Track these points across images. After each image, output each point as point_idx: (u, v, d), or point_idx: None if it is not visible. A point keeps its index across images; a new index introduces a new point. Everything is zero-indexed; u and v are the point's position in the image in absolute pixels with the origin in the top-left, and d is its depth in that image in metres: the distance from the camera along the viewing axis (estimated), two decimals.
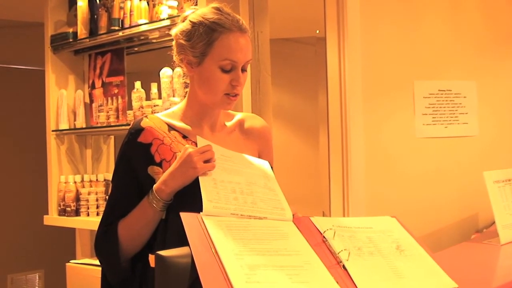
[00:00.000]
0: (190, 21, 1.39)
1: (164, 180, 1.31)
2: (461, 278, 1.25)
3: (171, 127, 1.43)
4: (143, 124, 1.42)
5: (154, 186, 1.33)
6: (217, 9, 1.40)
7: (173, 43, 1.44)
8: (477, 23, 2.70)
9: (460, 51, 2.66)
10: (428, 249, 1.33)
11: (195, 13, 1.41)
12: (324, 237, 1.25)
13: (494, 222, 2.07)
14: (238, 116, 1.56)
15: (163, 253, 1.19)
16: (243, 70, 1.40)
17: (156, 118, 1.45)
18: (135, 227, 1.37)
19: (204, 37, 1.36)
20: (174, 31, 1.43)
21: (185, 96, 1.51)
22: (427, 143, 2.57)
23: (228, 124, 1.53)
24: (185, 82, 1.55)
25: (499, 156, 2.69)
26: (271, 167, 1.58)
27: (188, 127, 1.45)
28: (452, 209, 2.61)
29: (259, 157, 1.55)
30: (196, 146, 1.37)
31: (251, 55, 1.41)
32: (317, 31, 3.41)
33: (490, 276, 1.71)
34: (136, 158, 1.39)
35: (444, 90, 2.61)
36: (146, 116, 1.46)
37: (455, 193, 2.61)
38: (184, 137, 1.43)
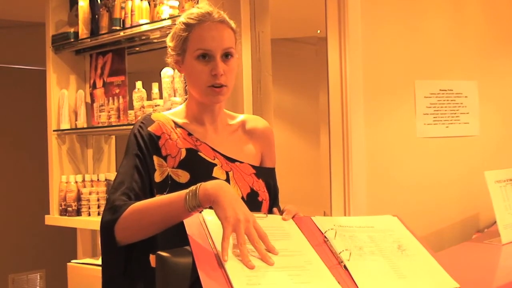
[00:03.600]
0: (174, 25, 1.46)
1: (215, 184, 1.20)
2: (462, 278, 1.25)
3: (176, 124, 1.45)
4: (153, 117, 1.44)
5: (203, 183, 1.21)
6: (197, 7, 1.45)
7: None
8: (478, 23, 2.69)
9: (462, 50, 2.66)
10: (430, 248, 1.33)
11: (180, 16, 1.47)
12: (325, 237, 1.25)
13: (495, 222, 2.07)
14: (241, 117, 1.57)
15: (164, 253, 1.19)
16: (227, 57, 1.40)
17: (162, 115, 1.47)
18: (150, 217, 1.26)
19: (181, 35, 1.42)
20: (166, 39, 1.49)
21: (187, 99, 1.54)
22: (428, 143, 2.57)
23: (231, 124, 1.54)
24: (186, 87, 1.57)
25: (501, 156, 2.69)
26: (274, 168, 1.58)
27: (191, 126, 1.46)
28: (453, 208, 2.61)
29: (262, 158, 1.55)
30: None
31: (231, 43, 1.41)
32: (318, 31, 3.41)
33: (491, 276, 1.71)
34: (146, 143, 1.39)
35: (445, 90, 2.60)
36: (153, 112, 1.49)
37: (456, 193, 2.61)
38: (189, 134, 1.44)
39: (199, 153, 1.41)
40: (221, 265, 1.07)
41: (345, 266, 1.17)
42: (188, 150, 1.41)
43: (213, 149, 1.44)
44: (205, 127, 1.47)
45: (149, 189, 1.37)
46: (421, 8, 2.58)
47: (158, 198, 1.30)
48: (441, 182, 2.58)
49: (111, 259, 1.35)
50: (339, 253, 1.19)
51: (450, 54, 2.63)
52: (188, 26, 1.40)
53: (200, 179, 1.23)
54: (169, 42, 1.46)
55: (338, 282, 1.12)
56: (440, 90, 2.59)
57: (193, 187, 1.20)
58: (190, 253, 1.12)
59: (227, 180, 1.40)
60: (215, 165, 1.41)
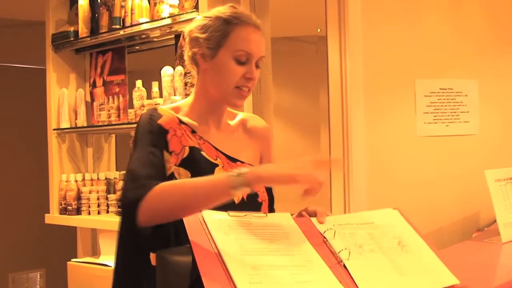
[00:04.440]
0: (206, 17, 1.42)
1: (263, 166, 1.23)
2: (463, 277, 1.25)
3: (180, 121, 1.43)
4: (160, 111, 1.42)
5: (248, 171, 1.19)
6: (233, 6, 1.43)
7: (186, 40, 1.44)
8: (478, 22, 2.69)
9: (462, 49, 2.66)
10: (430, 242, 1.33)
11: (210, 11, 1.44)
12: (324, 237, 1.24)
13: (495, 221, 2.07)
14: (240, 115, 1.56)
15: (164, 252, 1.19)
16: (257, 66, 1.40)
17: (167, 110, 1.44)
18: (181, 197, 1.23)
19: (220, 29, 1.38)
20: (188, 28, 1.45)
21: (186, 95, 1.51)
22: (428, 141, 2.57)
23: (231, 123, 1.53)
24: (186, 82, 1.54)
25: (501, 155, 2.69)
26: None
27: (195, 123, 1.44)
28: (453, 207, 2.61)
29: (260, 157, 1.55)
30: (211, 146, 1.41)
31: (265, 53, 1.42)
32: (319, 30, 3.41)
33: (491, 274, 1.71)
34: (157, 136, 1.37)
35: (446, 89, 2.60)
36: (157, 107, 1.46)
37: (456, 192, 2.61)
38: (193, 132, 1.43)
39: (202, 152, 1.40)
40: (222, 264, 1.07)
41: (344, 266, 1.17)
42: (192, 149, 1.39)
43: (215, 148, 1.43)
44: (208, 125, 1.46)
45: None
46: (421, 7, 2.58)
47: (191, 179, 1.28)
48: (441, 181, 2.58)
49: (131, 240, 1.32)
50: (338, 253, 1.19)
51: (450, 53, 2.63)
52: (229, 23, 1.38)
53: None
54: (199, 33, 1.40)
55: (339, 281, 1.12)
56: (440, 89, 2.59)
57: (233, 173, 1.18)
58: (190, 252, 1.12)
59: None
60: (217, 165, 1.40)
